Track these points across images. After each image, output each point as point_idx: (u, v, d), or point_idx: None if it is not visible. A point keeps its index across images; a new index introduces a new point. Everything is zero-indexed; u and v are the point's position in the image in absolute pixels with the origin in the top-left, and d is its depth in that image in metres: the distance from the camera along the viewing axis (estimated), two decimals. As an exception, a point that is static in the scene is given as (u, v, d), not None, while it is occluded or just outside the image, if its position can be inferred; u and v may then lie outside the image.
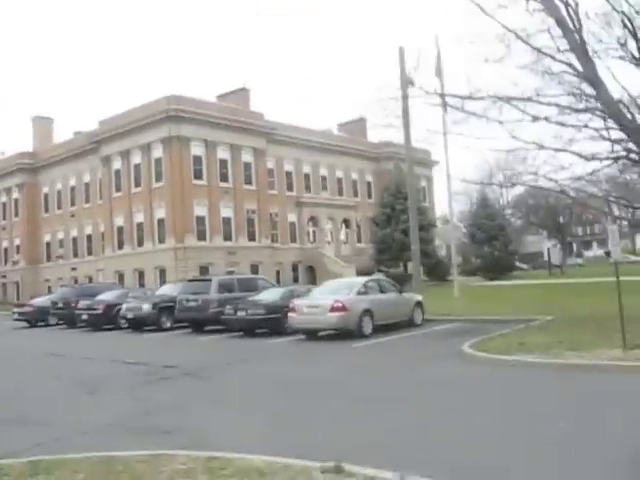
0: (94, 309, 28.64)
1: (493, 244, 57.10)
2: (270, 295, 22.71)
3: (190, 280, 28.84)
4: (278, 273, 55.43)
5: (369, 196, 67.15)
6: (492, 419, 8.66)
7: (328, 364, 14.97)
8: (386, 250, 50.42)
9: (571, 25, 17.90)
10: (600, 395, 9.77)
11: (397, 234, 49.34)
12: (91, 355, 19.35)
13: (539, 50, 18.73)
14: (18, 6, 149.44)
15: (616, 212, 40.34)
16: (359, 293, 20.02)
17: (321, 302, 19.36)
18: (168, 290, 28.13)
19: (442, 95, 20.12)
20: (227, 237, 52.26)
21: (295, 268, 58.23)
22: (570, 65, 18.68)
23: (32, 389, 13.55)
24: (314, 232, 61.62)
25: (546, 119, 17.88)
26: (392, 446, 7.52)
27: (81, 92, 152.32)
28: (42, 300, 34.59)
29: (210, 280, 25.60)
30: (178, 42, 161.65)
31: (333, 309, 18.82)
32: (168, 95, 49.69)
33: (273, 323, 21.07)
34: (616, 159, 19.53)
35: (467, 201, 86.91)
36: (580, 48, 18.10)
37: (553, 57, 18.90)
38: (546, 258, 68.41)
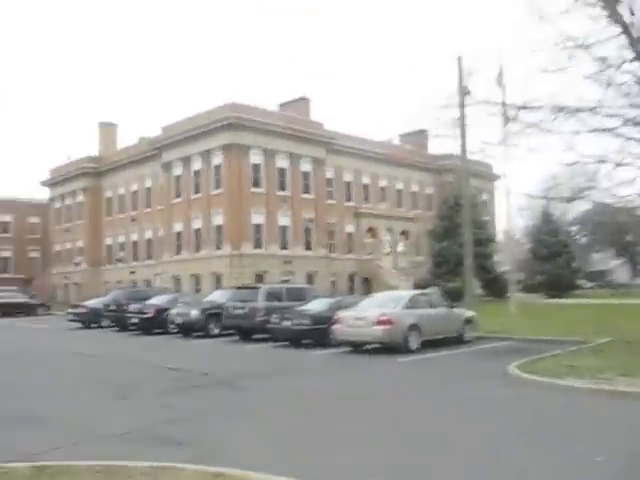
0: (144, 313, 28.75)
1: (555, 261, 55.60)
2: (317, 306, 22.32)
3: (239, 287, 28.65)
4: (334, 284, 55.04)
5: (429, 208, 66.17)
6: (520, 448, 8.04)
7: (367, 379, 14.50)
8: (443, 264, 49.52)
9: (635, 33, 17.14)
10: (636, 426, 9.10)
11: (455, 248, 48.37)
12: (134, 359, 19.30)
13: (602, 59, 17.98)
14: (84, 15, 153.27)
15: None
16: (406, 307, 19.45)
17: (367, 315, 18.88)
18: (218, 297, 28.05)
19: (504, 105, 19.47)
20: (283, 246, 52.13)
21: (351, 279, 57.72)
22: (636, 75, 17.89)
23: (64, 391, 13.52)
24: (372, 244, 61.00)
25: (608, 131, 17.08)
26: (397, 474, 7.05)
27: (147, 98, 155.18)
28: (95, 302, 34.92)
29: (258, 288, 25.36)
30: (242, 50, 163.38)
31: (379, 322, 18.32)
32: (229, 103, 49.88)
33: (318, 334, 20.67)
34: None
35: (532, 216, 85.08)
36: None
37: (618, 67, 18.13)
38: (612, 277, 66.45)
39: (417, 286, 44.77)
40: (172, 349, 23.07)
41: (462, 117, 24.27)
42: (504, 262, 48.37)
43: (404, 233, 63.90)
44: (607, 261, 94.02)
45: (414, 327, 18.77)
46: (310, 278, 52.18)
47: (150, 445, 8.51)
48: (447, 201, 54.52)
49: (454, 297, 29.55)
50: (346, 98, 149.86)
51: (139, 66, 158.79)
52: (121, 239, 64.49)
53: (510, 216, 31.23)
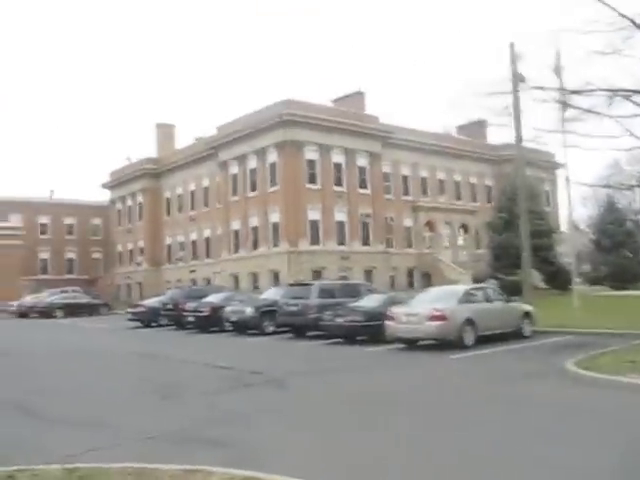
0: (200, 311, 28.81)
1: (619, 251, 53.89)
2: (370, 302, 21.98)
3: (292, 284, 28.49)
4: (392, 278, 54.53)
5: (489, 201, 64.91)
6: (567, 454, 7.55)
7: (417, 377, 14.11)
8: (502, 257, 48.29)
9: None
10: None
11: (514, 240, 47.21)
12: (186, 358, 19.26)
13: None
14: (139, 18, 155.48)
15: None
16: (461, 302, 18.97)
17: (420, 310, 18.45)
18: (272, 294, 27.94)
19: (561, 90, 18.77)
20: (340, 241, 51.81)
21: (410, 274, 57.07)
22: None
23: (112, 390, 13.47)
24: (430, 237, 60.20)
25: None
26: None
27: (203, 99, 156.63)
28: (153, 301, 35.21)
29: (311, 285, 25.10)
30: (294, 47, 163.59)
31: (432, 318, 17.89)
32: (282, 100, 49.80)
33: (372, 330, 20.30)
34: None
35: (596, 206, 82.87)
36: None
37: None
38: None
39: (476, 280, 43.98)
40: (226, 347, 23.03)
41: (516, 103, 23.57)
42: (567, 254, 47.12)
43: (463, 226, 62.89)
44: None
45: (469, 322, 18.28)
46: (368, 274, 51.79)
47: (189, 447, 8.36)
48: (505, 192, 53.29)
49: (514, 290, 28.82)
50: (399, 92, 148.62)
51: (194, 67, 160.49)
52: (180, 238, 65.13)
53: (572, 206, 30.10)
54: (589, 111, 17.14)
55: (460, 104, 23.22)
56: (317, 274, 47.61)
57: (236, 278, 53.77)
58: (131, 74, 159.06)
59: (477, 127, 63.63)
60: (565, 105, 17.45)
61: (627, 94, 16.69)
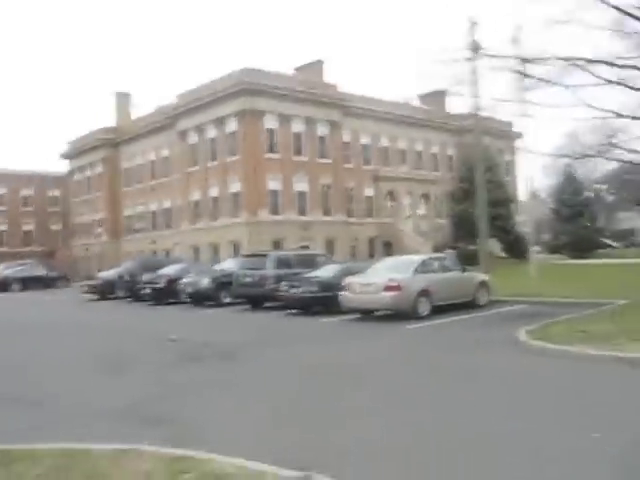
0: (156, 283, 28.48)
1: (578, 221, 54.52)
2: (326, 272, 21.82)
3: (248, 255, 28.22)
4: (354, 248, 54.45)
5: (450, 170, 64.89)
6: (512, 423, 7.47)
7: (370, 348, 13.99)
8: (462, 226, 48.59)
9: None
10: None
11: (474, 210, 47.56)
12: (138, 330, 19.08)
13: (616, 8, 17.12)
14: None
15: None
16: (416, 272, 18.87)
17: (375, 281, 18.35)
18: (229, 265, 27.65)
19: (517, 58, 18.62)
20: (301, 212, 51.50)
21: (371, 244, 57.00)
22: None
23: (57, 365, 13.27)
24: (392, 207, 60.12)
25: (618, 83, 16.28)
26: (377, 453, 6.55)
27: (165, 67, 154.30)
28: (109, 273, 34.78)
29: (267, 255, 24.85)
30: (253, 14, 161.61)
31: (387, 288, 17.80)
32: (242, 68, 49.04)
33: (327, 301, 20.18)
34: None
35: (556, 175, 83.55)
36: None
37: (633, 15, 17.30)
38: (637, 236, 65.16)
39: (436, 249, 44.06)
40: (180, 319, 22.80)
41: (474, 72, 23.41)
42: (526, 223, 47.45)
43: (425, 196, 62.88)
44: (634, 220, 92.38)
45: (424, 293, 18.23)
46: (329, 244, 51.66)
47: (132, 424, 8.14)
48: (466, 162, 53.41)
49: (473, 260, 28.90)
50: (359, 60, 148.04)
51: (155, 35, 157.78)
52: (140, 209, 64.23)
53: (528, 175, 30.32)
54: (543, 80, 17.09)
55: (421, 73, 23.11)
56: (278, 244, 47.34)
57: (196, 249, 53.30)
58: (90, 42, 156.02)
59: (439, 97, 63.39)
60: (521, 74, 17.32)
61: (582, 63, 16.65)
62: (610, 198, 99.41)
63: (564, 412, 7.89)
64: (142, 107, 77.41)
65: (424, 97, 66.95)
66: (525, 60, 17.47)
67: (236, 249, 48.19)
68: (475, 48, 21.87)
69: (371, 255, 54.75)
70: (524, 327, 14.03)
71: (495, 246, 51.54)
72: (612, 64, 16.33)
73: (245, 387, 10.23)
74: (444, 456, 6.39)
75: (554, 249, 57.55)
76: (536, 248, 61.73)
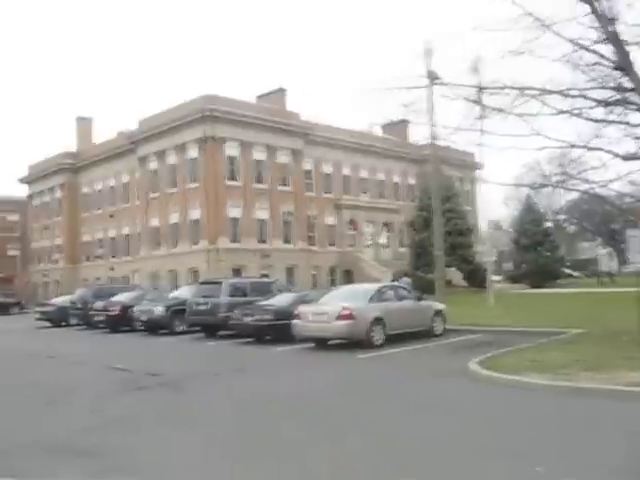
0: (109, 310, 27.88)
1: (537, 250, 54.85)
2: (280, 300, 21.48)
3: (202, 282, 27.78)
4: (314, 277, 54.25)
5: (412, 199, 65.11)
6: (456, 455, 7.24)
7: (317, 378, 13.67)
8: (423, 255, 48.55)
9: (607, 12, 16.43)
10: (600, 428, 8.30)
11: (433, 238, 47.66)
12: (86, 359, 18.49)
13: (571, 41, 17.20)
14: (60, 10, 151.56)
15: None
16: (371, 300, 18.62)
17: (328, 309, 18.04)
18: (184, 292, 27.18)
19: (480, 89, 18.61)
20: (262, 239, 51.22)
21: (332, 272, 56.85)
22: (603, 57, 17.16)
23: (-6, 395, 12.67)
24: (353, 236, 60.11)
25: (569, 112, 16.31)
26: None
27: (126, 93, 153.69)
28: (62, 300, 34.09)
29: (221, 283, 24.43)
30: (216, 44, 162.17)
31: (340, 317, 17.49)
32: (203, 95, 48.89)
33: (281, 330, 19.71)
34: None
35: (518, 205, 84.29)
36: (614, 37, 16.57)
37: (586, 48, 17.38)
38: (598, 266, 65.80)
39: (394, 278, 43.93)
40: (131, 348, 22.27)
41: (430, 101, 23.46)
42: (487, 252, 47.73)
43: (386, 224, 63.04)
44: (595, 250, 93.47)
45: (378, 321, 17.94)
46: (290, 272, 51.43)
47: (57, 457, 7.79)
48: (426, 191, 53.59)
49: (432, 288, 28.79)
50: (320, 89, 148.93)
51: (117, 61, 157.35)
52: (99, 235, 63.50)
53: (483, 205, 30.55)
54: (497, 109, 17.05)
55: (377, 102, 22.98)
56: (237, 272, 46.92)
57: (155, 276, 52.67)
58: (51, 67, 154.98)
59: (401, 126, 63.83)
60: (476, 103, 17.27)
61: (534, 93, 16.66)
62: (571, 228, 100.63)
63: (501, 443, 7.68)
64: (103, 132, 76.50)
65: (386, 127, 67.25)
66: (479, 89, 17.45)
67: (195, 276, 47.68)
68: (431, 76, 21.91)
69: (332, 283, 54.51)
70: (477, 356, 13.85)
71: (455, 275, 51.63)
72: (564, 94, 16.36)
73: (183, 420, 9.86)
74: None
75: (515, 278, 57.81)
76: (496, 277, 62.13)
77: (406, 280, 27.23)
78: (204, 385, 13.01)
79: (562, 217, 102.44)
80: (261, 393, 11.83)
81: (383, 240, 62.77)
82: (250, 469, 7.05)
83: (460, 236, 49.81)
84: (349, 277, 54.51)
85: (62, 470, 6.90)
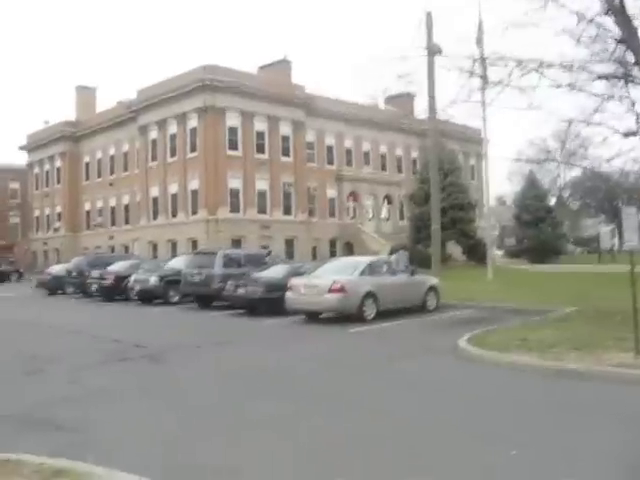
0: (104, 279, 27.74)
1: (539, 226, 54.56)
2: (273, 272, 21.26)
3: (197, 253, 27.59)
4: (315, 249, 54.00)
5: (414, 172, 64.58)
6: (434, 435, 7.08)
7: (307, 352, 13.49)
8: (423, 228, 48.28)
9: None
10: (581, 411, 8.09)
11: (434, 212, 47.32)
12: (75, 328, 18.33)
13: (575, 13, 16.79)
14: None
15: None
16: (363, 274, 18.37)
17: (319, 282, 17.84)
18: (179, 263, 26.96)
19: (480, 59, 18.24)
20: (262, 210, 50.91)
21: (333, 244, 56.62)
22: (606, 29, 16.78)
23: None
24: (354, 208, 59.82)
25: (570, 86, 15.95)
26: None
27: (130, 62, 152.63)
28: (59, 269, 33.99)
29: (215, 254, 24.21)
30: (221, 16, 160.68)
31: (331, 290, 17.28)
32: (204, 64, 48.32)
33: (273, 302, 19.52)
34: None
35: (522, 181, 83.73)
36: (620, 11, 16.16)
37: (590, 20, 16.97)
38: (600, 243, 65.34)
39: (392, 251, 43.67)
40: (123, 317, 22.16)
41: (431, 73, 23.07)
42: (489, 227, 47.39)
43: (388, 197, 62.70)
44: (597, 227, 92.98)
45: (370, 295, 17.74)
46: (289, 243, 51.26)
47: (28, 429, 7.68)
48: (427, 165, 53.16)
49: (430, 263, 28.53)
50: (327, 62, 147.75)
51: (119, 29, 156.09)
52: (99, 204, 63.28)
53: (487, 180, 30.20)
54: (496, 82, 16.72)
55: (378, 74, 22.54)
56: (237, 243, 46.73)
57: (154, 246, 52.55)
58: (52, 35, 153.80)
59: (406, 99, 63.04)
60: (470, 73, 16.91)
61: (534, 66, 16.30)
62: (575, 205, 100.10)
63: (480, 424, 7.50)
64: (106, 102, 75.93)
65: (390, 99, 66.60)
66: (478, 59, 17.08)
67: (194, 247, 47.41)
68: (430, 47, 21.47)
69: (332, 256, 54.28)
70: (468, 333, 13.66)
71: (455, 249, 51.44)
72: (564, 66, 15.99)
73: (162, 393, 9.70)
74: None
75: (516, 254, 57.58)
76: (497, 253, 61.89)
77: (403, 254, 26.89)
78: (187, 357, 12.83)
79: (566, 194, 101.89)
80: (246, 366, 11.67)
81: (384, 213, 62.47)
82: (220, 444, 6.88)
83: (461, 211, 49.51)
84: (350, 249, 54.31)
85: (33, 443, 6.68)
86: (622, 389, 9.12)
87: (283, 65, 55.89)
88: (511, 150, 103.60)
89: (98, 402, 9.00)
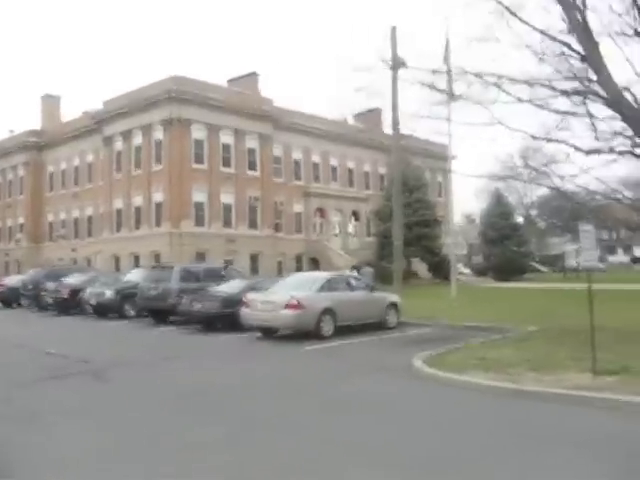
0: (59, 292, 27.01)
1: (505, 244, 54.62)
2: (230, 287, 20.72)
3: (154, 267, 26.98)
4: (280, 264, 53.46)
5: (381, 189, 64.43)
6: (372, 462, 6.63)
7: (256, 370, 12.94)
8: (387, 245, 48.05)
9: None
10: (536, 436, 7.68)
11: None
12: (23, 342, 17.72)
13: (537, 29, 16.66)
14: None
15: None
16: (321, 290, 17.93)
17: (276, 298, 17.35)
18: (136, 276, 26.29)
19: (449, 74, 18.04)
20: (227, 224, 50.24)
21: (299, 260, 56.07)
22: (570, 47, 16.67)
23: None
24: (321, 224, 59.43)
25: (530, 102, 15.78)
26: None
27: (95, 72, 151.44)
28: (15, 280, 33.12)
29: (173, 268, 23.62)
30: (189, 27, 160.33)
31: (288, 306, 16.80)
32: (172, 75, 47.77)
33: (229, 318, 19.04)
34: (620, 153, 17.35)
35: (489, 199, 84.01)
36: (582, 27, 16.03)
37: (553, 37, 16.86)
38: (565, 262, 65.74)
39: (355, 267, 43.37)
40: (75, 332, 21.48)
41: (395, 89, 22.82)
42: (453, 244, 47.24)
43: (354, 213, 62.40)
44: (563, 245, 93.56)
45: (328, 312, 17.31)
46: (254, 258, 50.68)
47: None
48: (393, 181, 53.03)
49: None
50: (293, 76, 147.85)
51: (88, 38, 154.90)
52: (62, 215, 62.01)
53: (451, 196, 30.15)
54: (456, 96, 16.54)
55: (344, 89, 22.28)
56: (201, 256, 46.06)
57: (117, 259, 51.62)
58: (19, 43, 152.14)
59: (374, 114, 63.04)
60: (430, 87, 16.66)
61: (493, 80, 16.12)
62: (542, 224, 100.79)
63: (419, 448, 7.10)
64: (71, 112, 75.03)
65: (360, 115, 66.51)
66: (439, 74, 16.86)
67: (157, 260, 46.64)
68: (395, 60, 21.19)
69: (298, 271, 53.82)
70: (425, 352, 13.29)
71: (420, 267, 51.28)
72: (523, 82, 15.82)
73: (96, 413, 9.16)
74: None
75: (483, 272, 57.62)
76: (465, 270, 61.79)
77: (368, 271, 26.51)
78: (132, 375, 12.32)
79: (534, 212, 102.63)
80: (188, 385, 11.17)
81: (351, 229, 62.17)
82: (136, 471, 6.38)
83: (426, 227, 49.37)
84: (316, 265, 53.80)
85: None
86: (577, 411, 8.81)
87: (251, 78, 55.45)
88: (481, 167, 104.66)
89: (25, 422, 8.47)
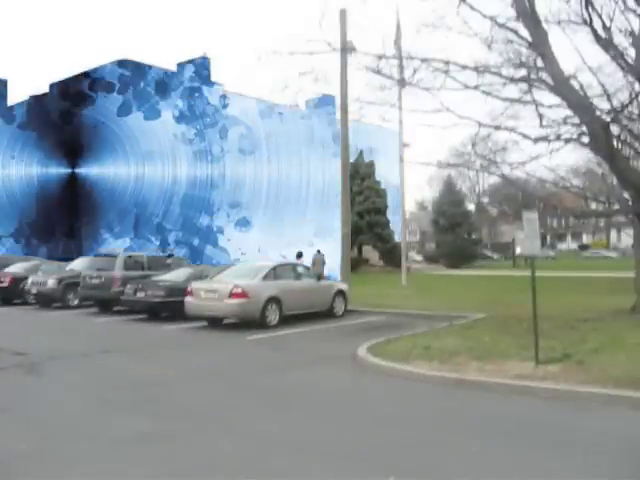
0: (0, 281, 26.13)
1: (456, 232, 54.94)
2: (174, 276, 20.28)
3: (97, 255, 26.32)
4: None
5: (335, 176, 64.27)
6: (302, 459, 6.36)
7: (195, 361, 12.57)
8: (340, 232, 48.11)
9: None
10: (475, 427, 7.51)
11: (352, 217, 46.90)
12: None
13: (486, 16, 16.56)
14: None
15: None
16: (266, 278, 17.61)
17: (220, 287, 16.97)
18: (79, 265, 25.55)
19: (400, 60, 17.77)
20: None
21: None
22: (518, 34, 16.64)
23: None
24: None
25: (477, 88, 15.68)
26: None
27: (44, 55, 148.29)
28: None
29: (116, 256, 23.03)
30: (138, 7, 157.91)
31: (232, 295, 16.48)
32: (119, 59, 46.75)
33: (174, 307, 18.58)
34: (566, 141, 17.40)
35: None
36: (530, 14, 15.99)
37: (502, 25, 16.80)
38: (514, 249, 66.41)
39: (299, 254, 43.13)
40: (15, 322, 20.77)
41: (344, 73, 22.56)
42: (404, 232, 47.14)
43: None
44: (514, 233, 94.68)
45: (273, 300, 17.02)
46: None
47: None
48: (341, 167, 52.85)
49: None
50: (243, 60, 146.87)
51: (34, 24, 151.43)
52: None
53: (402, 183, 30.08)
54: (402, 81, 16.36)
55: (289, 74, 21.90)
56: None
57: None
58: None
59: (324, 100, 62.59)
60: (374, 72, 16.44)
61: (440, 66, 15.98)
62: (494, 211, 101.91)
63: (356, 443, 6.85)
64: (18, 95, 73.18)
65: (311, 100, 66.06)
66: (386, 58, 16.61)
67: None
68: (344, 44, 20.83)
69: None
70: (370, 341, 13.12)
71: (373, 254, 51.27)
72: (467, 67, 15.70)
73: (23, 409, 8.72)
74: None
75: (434, 259, 57.93)
76: (417, 257, 62.06)
77: (320, 257, 26.22)
78: (68, 367, 11.84)
79: (486, 200, 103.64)
80: (125, 378, 10.79)
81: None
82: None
83: (377, 214, 49.33)
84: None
85: None
86: (518, 401, 8.70)
87: (202, 62, 54.49)
88: (433, 155, 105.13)
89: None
